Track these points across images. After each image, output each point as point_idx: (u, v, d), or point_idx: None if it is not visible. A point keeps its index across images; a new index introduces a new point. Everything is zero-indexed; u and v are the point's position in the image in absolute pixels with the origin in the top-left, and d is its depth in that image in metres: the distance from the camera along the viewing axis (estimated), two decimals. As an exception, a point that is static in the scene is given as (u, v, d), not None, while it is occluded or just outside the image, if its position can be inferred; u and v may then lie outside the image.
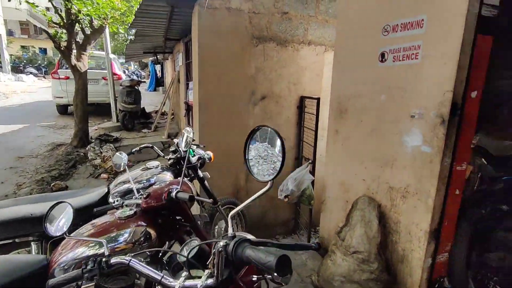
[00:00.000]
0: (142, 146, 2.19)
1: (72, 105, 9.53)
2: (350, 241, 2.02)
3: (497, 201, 2.15)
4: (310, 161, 2.82)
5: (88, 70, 5.93)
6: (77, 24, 5.28)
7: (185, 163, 1.53)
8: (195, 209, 2.72)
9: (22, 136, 6.70)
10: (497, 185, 2.22)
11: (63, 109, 9.58)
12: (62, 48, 5.05)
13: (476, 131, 2.32)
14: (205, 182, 2.23)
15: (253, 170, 1.01)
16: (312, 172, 2.82)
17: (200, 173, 2.19)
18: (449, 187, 1.76)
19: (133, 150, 2.14)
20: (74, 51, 5.37)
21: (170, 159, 2.12)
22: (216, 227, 2.43)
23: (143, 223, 1.35)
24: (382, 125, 2.07)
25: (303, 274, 2.36)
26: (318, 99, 2.76)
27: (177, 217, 1.49)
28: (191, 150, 2.16)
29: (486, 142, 2.29)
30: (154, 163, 2.06)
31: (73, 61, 5.24)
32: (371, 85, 2.14)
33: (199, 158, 2.20)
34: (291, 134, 3.17)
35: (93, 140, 5.67)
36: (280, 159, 0.89)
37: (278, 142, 0.92)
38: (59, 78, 8.44)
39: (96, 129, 7.13)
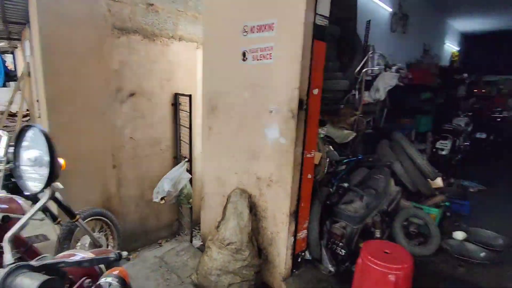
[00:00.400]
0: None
1: None
2: (224, 233, 2.08)
3: (340, 179, 2.60)
4: (186, 159, 2.77)
5: None
6: None
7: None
8: (51, 229, 2.28)
9: None
10: (340, 166, 2.69)
11: None
12: None
13: (324, 123, 2.76)
14: (55, 194, 1.89)
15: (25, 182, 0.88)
16: (190, 171, 2.78)
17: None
18: (303, 173, 2.02)
19: None
20: None
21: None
22: (78, 244, 2.09)
23: None
24: (248, 120, 2.19)
25: (183, 275, 2.30)
26: (190, 96, 2.73)
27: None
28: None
29: (332, 132, 2.74)
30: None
31: None
32: (237, 83, 2.24)
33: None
34: (167, 133, 3.04)
35: None
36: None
37: (44, 142, 0.82)
38: None
39: None
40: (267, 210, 2.15)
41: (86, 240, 2.13)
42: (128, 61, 2.63)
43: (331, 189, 2.49)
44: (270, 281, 2.19)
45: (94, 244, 2.19)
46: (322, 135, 2.65)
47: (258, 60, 2.07)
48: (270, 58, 1.98)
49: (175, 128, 3.07)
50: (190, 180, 2.75)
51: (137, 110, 2.77)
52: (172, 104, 3.01)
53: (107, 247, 2.33)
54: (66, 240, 2.00)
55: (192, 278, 2.18)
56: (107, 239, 2.40)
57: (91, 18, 2.36)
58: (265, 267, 2.21)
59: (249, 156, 2.22)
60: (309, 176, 2.10)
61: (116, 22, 2.51)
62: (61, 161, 1.93)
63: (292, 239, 2.08)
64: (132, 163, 2.80)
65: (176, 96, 3.01)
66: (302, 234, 2.18)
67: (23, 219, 0.81)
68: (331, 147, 2.71)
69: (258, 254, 2.10)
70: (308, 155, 2.04)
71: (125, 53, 2.61)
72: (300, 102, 1.86)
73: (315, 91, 1.96)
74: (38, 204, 0.88)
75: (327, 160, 2.52)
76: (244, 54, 2.15)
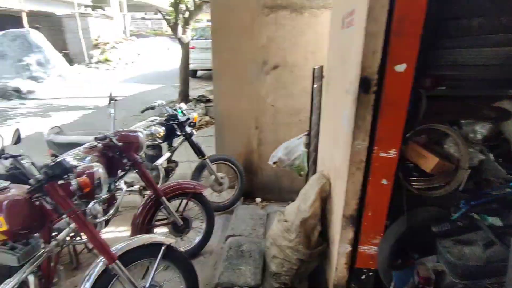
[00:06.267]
0: (152, 104, 2.80)
1: (199, 70, 11.52)
2: (287, 209, 2.10)
3: (484, 208, 1.70)
4: (306, 132, 2.79)
5: (197, 40, 7.08)
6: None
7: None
8: (181, 168, 3.21)
9: (156, 93, 8.85)
10: (497, 189, 1.72)
11: (192, 73, 11.67)
12: (171, 24, 6.29)
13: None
14: (192, 137, 2.70)
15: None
16: (308, 144, 2.79)
17: (188, 129, 2.67)
18: (370, 175, 1.58)
19: (148, 107, 2.79)
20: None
21: (165, 116, 2.69)
22: (202, 178, 2.89)
23: (97, 154, 1.97)
24: (337, 99, 1.92)
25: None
26: (321, 67, 2.62)
27: (124, 156, 2.04)
28: (179, 110, 2.65)
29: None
30: (154, 117, 2.68)
31: (179, 34, 6.44)
32: (337, 55, 1.97)
33: (188, 119, 2.67)
34: (308, 105, 3.12)
35: (192, 99, 6.94)
36: None
37: None
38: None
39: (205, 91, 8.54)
40: (334, 204, 1.89)
41: (211, 178, 2.89)
42: (274, 37, 2.92)
43: (452, 214, 1.68)
44: (326, 278, 1.99)
45: (218, 182, 2.93)
46: (479, 135, 1.75)
47: (347, 27, 1.71)
48: (353, 24, 1.59)
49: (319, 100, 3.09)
50: (308, 154, 2.78)
51: (280, 81, 3.06)
52: (316, 77, 3.01)
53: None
54: (196, 173, 2.83)
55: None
56: (234, 181, 3.07)
57: (246, 1, 2.82)
58: (325, 262, 2.02)
59: (333, 140, 1.98)
60: (385, 181, 1.58)
61: (267, 2, 2.82)
62: (195, 114, 2.70)
63: (347, 247, 1.74)
64: (271, 127, 3.22)
65: (322, 68, 2.97)
66: (369, 249, 1.74)
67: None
68: (491, 155, 1.74)
69: (314, 245, 1.95)
70: (383, 154, 1.53)
71: (272, 29, 2.90)
72: (363, 81, 1.42)
73: (400, 68, 1.38)
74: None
75: (467, 171, 1.69)
76: (343, 20, 1.83)
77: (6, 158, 1.29)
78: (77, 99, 8.87)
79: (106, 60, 14.98)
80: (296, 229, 1.92)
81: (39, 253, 1.47)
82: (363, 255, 1.75)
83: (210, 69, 10.79)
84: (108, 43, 15.79)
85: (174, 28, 6.45)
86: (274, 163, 2.79)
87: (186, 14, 6.58)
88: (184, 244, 2.42)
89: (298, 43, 2.93)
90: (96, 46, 15.67)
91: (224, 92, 3.15)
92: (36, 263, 1.44)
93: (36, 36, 10.68)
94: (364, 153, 1.55)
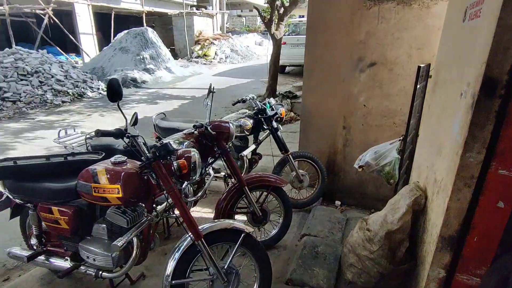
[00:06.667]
0: (244, 98, 2.93)
1: (288, 66, 11.64)
2: (372, 217, 1.95)
3: None
4: (400, 137, 2.51)
5: (288, 36, 7.13)
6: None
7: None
8: (264, 161, 3.24)
9: (245, 87, 9.28)
10: None
11: (281, 69, 11.84)
12: (266, 20, 6.45)
13: None
14: (278, 132, 2.73)
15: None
16: (403, 150, 2.52)
17: (274, 124, 2.71)
18: (483, 193, 1.33)
19: (239, 100, 2.94)
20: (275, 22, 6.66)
21: (254, 109, 2.78)
22: (283, 173, 2.89)
23: (193, 140, 2.18)
24: (447, 103, 1.68)
25: (348, 240, 2.43)
26: (429, 66, 2.32)
27: (215, 144, 2.20)
28: (268, 105, 2.71)
29: None
30: (244, 110, 2.80)
31: (272, 30, 6.56)
32: (451, 52, 1.71)
33: (275, 114, 2.70)
34: (406, 107, 2.82)
35: (278, 95, 7.04)
36: None
37: None
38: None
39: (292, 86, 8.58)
40: (429, 221, 1.67)
41: (292, 174, 2.88)
42: (374, 31, 2.71)
43: None
44: (410, 302, 1.78)
45: (298, 179, 2.91)
46: None
47: (470, 19, 1.46)
48: (479, 16, 1.34)
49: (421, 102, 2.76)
50: (401, 161, 2.52)
51: (375, 80, 2.83)
52: (421, 76, 2.69)
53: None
54: (278, 168, 2.86)
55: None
56: (315, 181, 3.00)
57: (347, -6, 2.69)
58: (411, 283, 1.81)
59: (436, 148, 1.74)
60: (501, 204, 1.31)
61: (371, -7, 2.63)
62: (282, 109, 2.72)
63: (441, 272, 1.52)
64: (361, 128, 3.02)
65: (429, 66, 2.63)
66: (469, 279, 1.48)
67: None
68: None
69: (399, 261, 1.77)
70: (503, 172, 1.27)
71: (374, 23, 2.69)
72: (487, 83, 1.19)
73: (541, 68, 1.11)
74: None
75: None
76: (465, 11, 1.57)
77: (127, 137, 1.53)
78: (178, 89, 10.00)
79: (205, 55, 16.43)
80: (379, 240, 1.77)
81: (142, 220, 1.72)
82: (460, 284, 1.50)
83: (299, 65, 10.92)
84: (207, 39, 17.26)
85: (268, 24, 6.62)
86: (360, 167, 2.62)
87: (281, 10, 6.67)
88: (260, 235, 2.50)
89: (402, 38, 2.66)
90: (197, 42, 17.32)
91: (313, 89, 3.09)
92: (140, 228, 1.69)
93: (151, 34, 12.39)
94: (477, 168, 1.31)
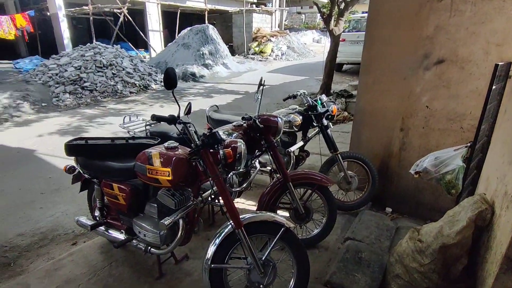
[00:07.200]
0: (294, 93, 2.89)
1: (345, 63, 11.22)
2: (425, 227, 1.79)
3: None
4: (468, 144, 2.24)
5: (348, 33, 6.84)
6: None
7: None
8: (311, 160, 3.13)
9: (299, 85, 9.17)
10: None
11: (338, 67, 11.43)
12: (325, 16, 6.25)
13: None
14: (328, 130, 2.64)
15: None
16: (470, 158, 2.25)
17: (325, 122, 2.63)
18: None
19: (290, 95, 2.92)
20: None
21: (305, 105, 2.73)
22: (330, 172, 2.78)
23: (241, 132, 2.23)
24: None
25: (396, 250, 2.27)
26: (510, 64, 2.02)
27: (262, 138, 2.22)
28: (319, 101, 2.63)
29: None
30: (294, 106, 2.77)
31: (331, 26, 6.34)
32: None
33: (326, 111, 2.61)
34: (478, 110, 2.51)
35: (333, 93, 6.81)
36: None
37: None
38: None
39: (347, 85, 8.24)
40: (494, 239, 1.47)
41: (340, 174, 2.77)
42: (445, 25, 2.45)
43: None
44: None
45: (346, 181, 2.80)
46: None
47: None
48: None
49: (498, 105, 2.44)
50: (466, 170, 2.26)
51: (442, 79, 2.57)
52: (498, 76, 2.37)
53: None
54: (326, 167, 2.77)
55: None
56: (364, 184, 2.85)
57: (415, -15, 2.48)
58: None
59: (510, 158, 1.52)
60: None
61: (443, -17, 2.39)
62: (334, 106, 2.62)
63: (506, 298, 1.33)
64: (421, 132, 2.77)
65: (510, 65, 2.31)
66: (542, 312, 1.27)
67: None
68: None
69: (454, 279, 1.59)
70: None
71: (444, 17, 2.43)
72: None
73: None
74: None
75: None
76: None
77: (179, 123, 1.63)
78: (233, 84, 10.30)
79: (261, 52, 16.62)
80: (432, 253, 1.62)
81: (189, 204, 1.81)
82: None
83: (357, 63, 10.41)
84: (264, 36, 17.42)
85: (327, 20, 6.43)
86: (417, 173, 2.41)
87: (342, 6, 6.42)
88: (302, 233, 2.46)
89: (478, 33, 2.36)
90: (254, 39, 17.59)
91: (370, 86, 2.92)
92: (186, 211, 1.79)
93: (212, 30, 12.93)
94: None
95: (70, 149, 2.10)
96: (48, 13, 12.26)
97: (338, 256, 2.26)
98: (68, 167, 2.23)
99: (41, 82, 7.94)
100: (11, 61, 12.35)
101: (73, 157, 2.19)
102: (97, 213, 2.27)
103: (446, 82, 2.57)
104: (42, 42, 14.21)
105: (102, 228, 2.20)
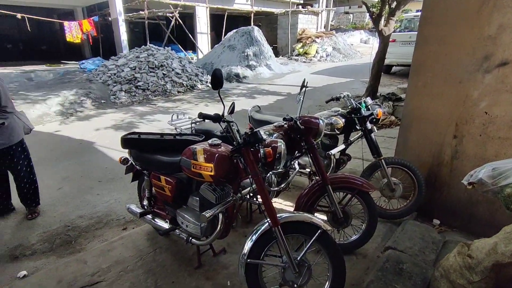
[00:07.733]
0: (338, 95, 2.84)
1: (394, 65, 10.68)
2: (478, 242, 1.66)
3: None
4: (533, 155, 2.01)
5: (399, 33, 6.50)
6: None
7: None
8: (352, 164, 3.00)
9: (343, 87, 8.92)
10: None
11: (386, 69, 10.88)
12: (374, 16, 6.00)
13: None
14: (372, 134, 2.55)
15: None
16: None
17: (368, 125, 2.54)
18: None
19: (333, 97, 2.87)
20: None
21: (348, 108, 2.67)
22: (373, 178, 2.66)
23: (282, 133, 2.26)
24: None
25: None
26: None
27: (302, 139, 2.22)
28: (364, 104, 2.55)
29: None
30: (337, 108, 2.72)
31: (381, 26, 6.06)
32: None
33: (371, 114, 2.52)
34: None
35: (380, 96, 6.50)
36: None
37: None
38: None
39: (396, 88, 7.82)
40: (560, 263, 1.32)
41: (383, 180, 2.65)
42: (511, 24, 2.24)
43: None
44: None
45: (389, 188, 2.68)
46: None
47: None
48: None
49: None
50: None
51: (505, 83, 2.34)
52: None
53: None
54: (368, 172, 2.68)
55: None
56: (409, 192, 2.70)
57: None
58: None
59: None
60: None
61: (509, -23, 2.18)
62: (380, 109, 2.53)
63: None
64: (478, 140, 2.56)
65: None
66: None
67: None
68: None
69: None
70: None
71: (510, 15, 2.22)
72: None
73: None
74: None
75: None
76: None
77: (223, 121, 1.71)
78: (275, 86, 10.34)
79: (305, 53, 16.45)
80: (483, 271, 1.50)
81: (228, 199, 1.89)
82: None
83: (408, 65, 9.82)
84: (309, 37, 17.21)
85: (376, 20, 6.17)
86: (471, 184, 2.22)
87: (393, 4, 6.12)
88: (339, 238, 2.41)
89: (551, 32, 2.12)
90: (299, 40, 17.46)
91: (420, 90, 2.76)
92: (225, 205, 1.87)
93: (257, 32, 13.12)
94: None
95: (125, 142, 2.31)
96: (110, 18, 13.44)
97: (377, 265, 2.17)
98: (122, 158, 2.44)
99: (101, 81, 8.74)
100: (77, 62, 13.82)
101: (127, 150, 2.40)
102: (145, 202, 2.46)
103: (510, 87, 2.34)
104: (104, 44, 15.68)
105: (149, 216, 2.38)
